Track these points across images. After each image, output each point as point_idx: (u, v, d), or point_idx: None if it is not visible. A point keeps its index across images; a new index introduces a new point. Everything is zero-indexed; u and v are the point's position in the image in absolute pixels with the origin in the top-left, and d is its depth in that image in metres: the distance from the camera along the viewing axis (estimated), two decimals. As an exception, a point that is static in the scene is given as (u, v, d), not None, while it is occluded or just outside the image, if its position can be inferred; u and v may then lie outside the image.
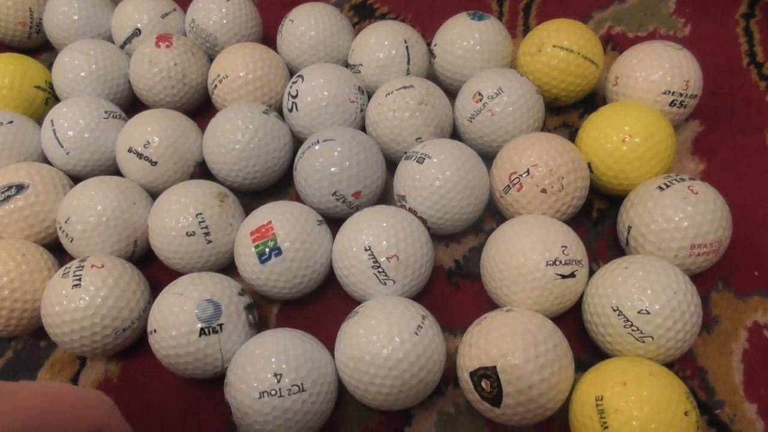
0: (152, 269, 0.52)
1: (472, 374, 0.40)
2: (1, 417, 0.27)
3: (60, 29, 0.64)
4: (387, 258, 0.44)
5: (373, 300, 0.44)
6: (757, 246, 0.49)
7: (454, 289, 0.50)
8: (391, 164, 0.53)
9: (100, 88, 0.59)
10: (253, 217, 0.48)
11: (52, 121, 0.55)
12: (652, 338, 0.40)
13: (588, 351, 0.45)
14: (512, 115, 0.51)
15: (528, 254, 0.42)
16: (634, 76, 0.51)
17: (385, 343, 0.39)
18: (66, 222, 0.49)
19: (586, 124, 0.51)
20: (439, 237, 0.52)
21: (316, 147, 0.49)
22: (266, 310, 0.50)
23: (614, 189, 0.49)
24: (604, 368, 0.40)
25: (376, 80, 0.57)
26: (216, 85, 0.57)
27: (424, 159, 0.47)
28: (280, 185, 0.56)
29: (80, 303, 0.43)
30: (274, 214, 0.46)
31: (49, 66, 0.62)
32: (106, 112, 0.56)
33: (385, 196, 0.54)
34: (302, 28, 0.59)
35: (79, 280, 0.44)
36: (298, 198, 0.53)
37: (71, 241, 0.49)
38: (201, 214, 0.48)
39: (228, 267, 0.51)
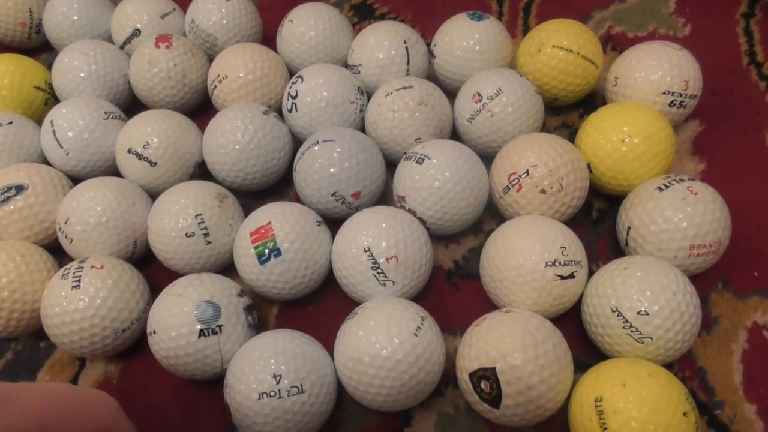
0: (152, 270, 0.52)
1: (472, 375, 0.40)
2: (8, 418, 0.27)
3: (60, 30, 0.64)
4: (386, 259, 0.44)
5: (373, 301, 0.44)
6: (757, 246, 0.49)
7: (453, 290, 0.50)
8: (391, 165, 0.53)
9: (99, 89, 0.59)
10: (252, 218, 0.48)
11: (51, 121, 0.55)
12: (652, 339, 0.40)
13: (587, 352, 0.45)
14: (512, 115, 0.51)
15: (527, 255, 0.42)
16: (633, 77, 0.51)
17: (385, 344, 0.39)
18: (65, 223, 0.49)
19: (586, 124, 0.51)
20: (439, 237, 0.52)
21: (316, 148, 0.49)
22: (266, 311, 0.50)
23: (614, 189, 0.49)
24: (603, 369, 0.40)
25: (375, 81, 0.57)
26: (216, 86, 0.57)
27: (423, 159, 0.47)
28: (279, 186, 0.57)
29: (80, 304, 0.43)
30: (273, 214, 0.46)
31: (49, 66, 0.62)
32: (105, 112, 0.56)
33: (384, 196, 0.54)
34: (302, 28, 0.59)
35: (79, 281, 0.44)
36: (297, 199, 0.53)
37: (71, 242, 0.49)
38: (200, 214, 0.48)
39: (227, 268, 0.51)
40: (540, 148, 0.47)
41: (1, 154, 0.54)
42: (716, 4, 0.64)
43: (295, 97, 0.54)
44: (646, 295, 0.40)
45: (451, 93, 0.57)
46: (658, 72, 0.50)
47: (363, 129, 0.55)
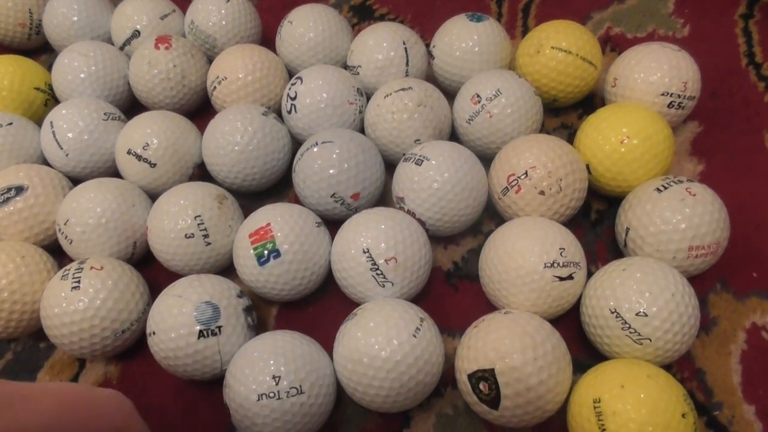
0: (151, 271, 0.52)
1: (471, 376, 0.40)
2: (22, 417, 0.27)
3: (59, 31, 0.64)
4: (385, 260, 0.44)
5: (372, 302, 0.44)
6: (756, 247, 0.49)
7: (452, 291, 0.50)
8: (390, 166, 0.53)
9: (99, 90, 0.59)
10: (251, 219, 0.48)
11: (51, 122, 0.55)
12: (650, 340, 0.40)
13: (586, 353, 0.45)
14: (511, 116, 0.51)
15: (526, 256, 0.43)
16: (632, 78, 0.51)
17: (384, 345, 0.39)
18: (65, 224, 0.49)
19: (585, 125, 0.51)
20: (438, 239, 0.52)
21: (315, 149, 0.50)
22: (265, 312, 0.50)
23: (613, 190, 0.49)
24: (602, 370, 0.40)
25: (374, 82, 0.57)
26: (215, 87, 0.57)
27: (422, 161, 0.47)
28: (279, 187, 0.57)
29: (79, 305, 0.43)
30: (272, 216, 0.47)
31: (49, 67, 0.62)
32: (105, 113, 0.56)
33: (383, 197, 0.54)
34: (301, 29, 0.59)
35: (79, 282, 0.44)
36: (297, 200, 0.53)
37: (70, 243, 0.49)
38: (200, 216, 0.48)
39: (227, 269, 0.51)
40: (539, 149, 0.47)
41: (1, 155, 0.54)
42: (715, 5, 0.64)
43: (294, 99, 0.54)
44: (644, 296, 0.40)
45: (450, 94, 0.57)
46: (657, 73, 0.50)
47: (362, 130, 0.56)
